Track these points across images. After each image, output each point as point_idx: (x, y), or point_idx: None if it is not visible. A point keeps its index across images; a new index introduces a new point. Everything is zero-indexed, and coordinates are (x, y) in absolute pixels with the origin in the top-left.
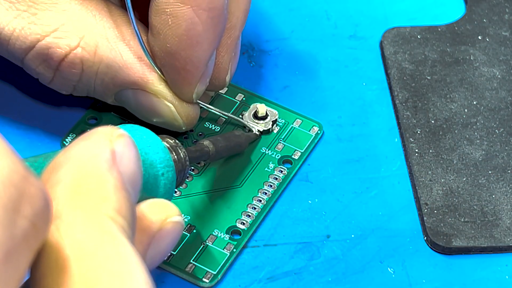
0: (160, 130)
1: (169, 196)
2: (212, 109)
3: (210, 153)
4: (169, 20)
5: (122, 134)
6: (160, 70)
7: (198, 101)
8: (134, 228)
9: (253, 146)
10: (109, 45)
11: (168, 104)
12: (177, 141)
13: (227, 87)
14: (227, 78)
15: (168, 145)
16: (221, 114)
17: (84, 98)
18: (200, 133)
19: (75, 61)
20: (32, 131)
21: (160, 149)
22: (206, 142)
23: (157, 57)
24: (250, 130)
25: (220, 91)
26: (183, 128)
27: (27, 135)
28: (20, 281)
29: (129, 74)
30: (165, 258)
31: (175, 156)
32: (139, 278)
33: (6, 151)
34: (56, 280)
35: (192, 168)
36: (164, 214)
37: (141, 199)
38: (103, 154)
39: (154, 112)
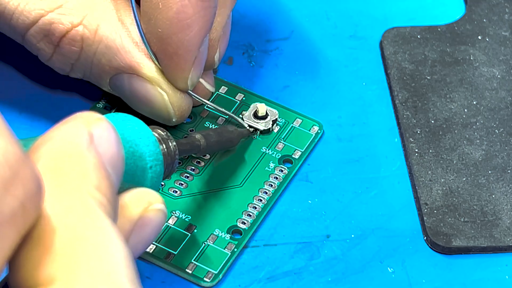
0: (151, 122)
1: (155, 190)
2: (205, 102)
3: (200, 147)
4: (160, 3)
5: (100, 118)
6: (156, 57)
7: (191, 92)
8: (116, 208)
9: (254, 146)
10: (110, 27)
11: (162, 92)
12: (168, 134)
13: (226, 86)
14: (216, 58)
15: (158, 137)
16: (215, 108)
17: (91, 92)
18: None
19: (76, 38)
20: (36, 123)
21: (151, 142)
22: (197, 136)
23: (151, 44)
24: (242, 126)
25: (220, 92)
26: (173, 120)
27: (32, 126)
28: (3, 260)
29: (126, 58)
30: (148, 247)
31: (165, 149)
32: (117, 249)
33: (4, 130)
34: (36, 253)
35: (193, 168)
36: (147, 202)
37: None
38: (81, 135)
39: (147, 100)
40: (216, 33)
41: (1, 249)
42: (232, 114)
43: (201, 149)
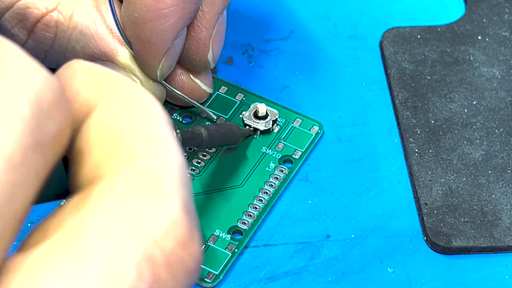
0: None
1: None
2: (177, 93)
3: (203, 136)
4: None
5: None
6: (129, 44)
7: (165, 83)
8: None
9: (254, 146)
10: (84, 13)
11: (135, 79)
12: (171, 120)
13: (226, 86)
14: (209, 57)
15: None
16: (189, 100)
17: None
18: None
19: (50, 24)
20: None
21: None
22: (198, 127)
23: (126, 29)
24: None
25: (220, 92)
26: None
27: None
28: (44, 176)
29: (100, 45)
30: None
31: None
32: (173, 155)
33: (39, 67)
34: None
35: (193, 168)
36: None
37: None
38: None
39: None
40: (206, 32)
41: (45, 163)
42: (204, 108)
43: (203, 140)
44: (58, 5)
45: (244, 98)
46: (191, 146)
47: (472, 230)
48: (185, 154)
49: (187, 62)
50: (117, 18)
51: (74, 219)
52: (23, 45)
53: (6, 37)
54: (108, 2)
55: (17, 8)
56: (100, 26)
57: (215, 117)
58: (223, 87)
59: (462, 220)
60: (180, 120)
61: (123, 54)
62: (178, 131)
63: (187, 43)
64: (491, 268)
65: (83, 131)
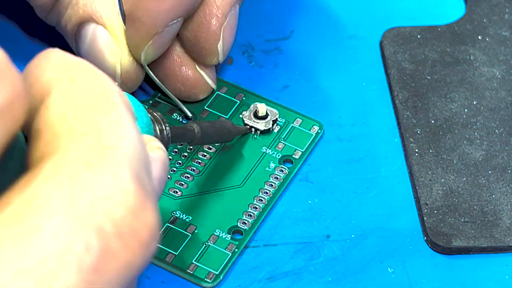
0: None
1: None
2: (157, 82)
3: (195, 132)
4: None
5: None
6: (124, 18)
7: (148, 69)
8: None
9: (254, 146)
10: None
11: (118, 50)
12: (162, 116)
13: (226, 86)
14: (220, 47)
15: (151, 117)
16: (162, 87)
17: None
18: None
19: None
20: None
21: (143, 114)
22: (190, 123)
23: (124, 2)
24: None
25: (220, 91)
26: (116, 84)
27: None
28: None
29: (101, 8)
30: (163, 187)
31: (157, 127)
32: (128, 136)
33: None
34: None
35: (193, 168)
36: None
37: None
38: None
39: (102, 53)
40: (216, 20)
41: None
42: (179, 102)
43: (195, 135)
44: None
45: (244, 98)
46: (182, 142)
47: (472, 230)
48: (170, 157)
49: (196, 50)
50: None
51: (22, 196)
52: None
53: None
54: None
55: None
56: None
57: (191, 115)
58: (223, 87)
59: (462, 220)
60: (180, 120)
61: (116, 24)
62: (168, 126)
63: (198, 30)
64: (491, 268)
65: (41, 112)
